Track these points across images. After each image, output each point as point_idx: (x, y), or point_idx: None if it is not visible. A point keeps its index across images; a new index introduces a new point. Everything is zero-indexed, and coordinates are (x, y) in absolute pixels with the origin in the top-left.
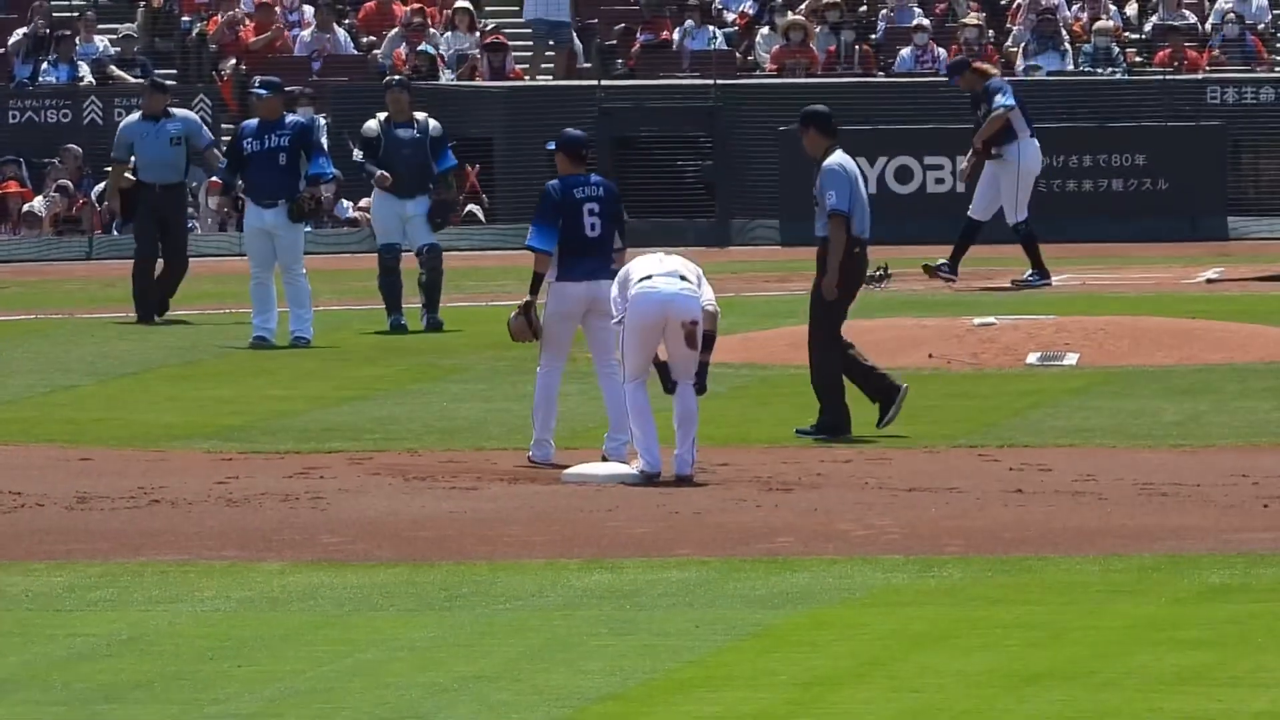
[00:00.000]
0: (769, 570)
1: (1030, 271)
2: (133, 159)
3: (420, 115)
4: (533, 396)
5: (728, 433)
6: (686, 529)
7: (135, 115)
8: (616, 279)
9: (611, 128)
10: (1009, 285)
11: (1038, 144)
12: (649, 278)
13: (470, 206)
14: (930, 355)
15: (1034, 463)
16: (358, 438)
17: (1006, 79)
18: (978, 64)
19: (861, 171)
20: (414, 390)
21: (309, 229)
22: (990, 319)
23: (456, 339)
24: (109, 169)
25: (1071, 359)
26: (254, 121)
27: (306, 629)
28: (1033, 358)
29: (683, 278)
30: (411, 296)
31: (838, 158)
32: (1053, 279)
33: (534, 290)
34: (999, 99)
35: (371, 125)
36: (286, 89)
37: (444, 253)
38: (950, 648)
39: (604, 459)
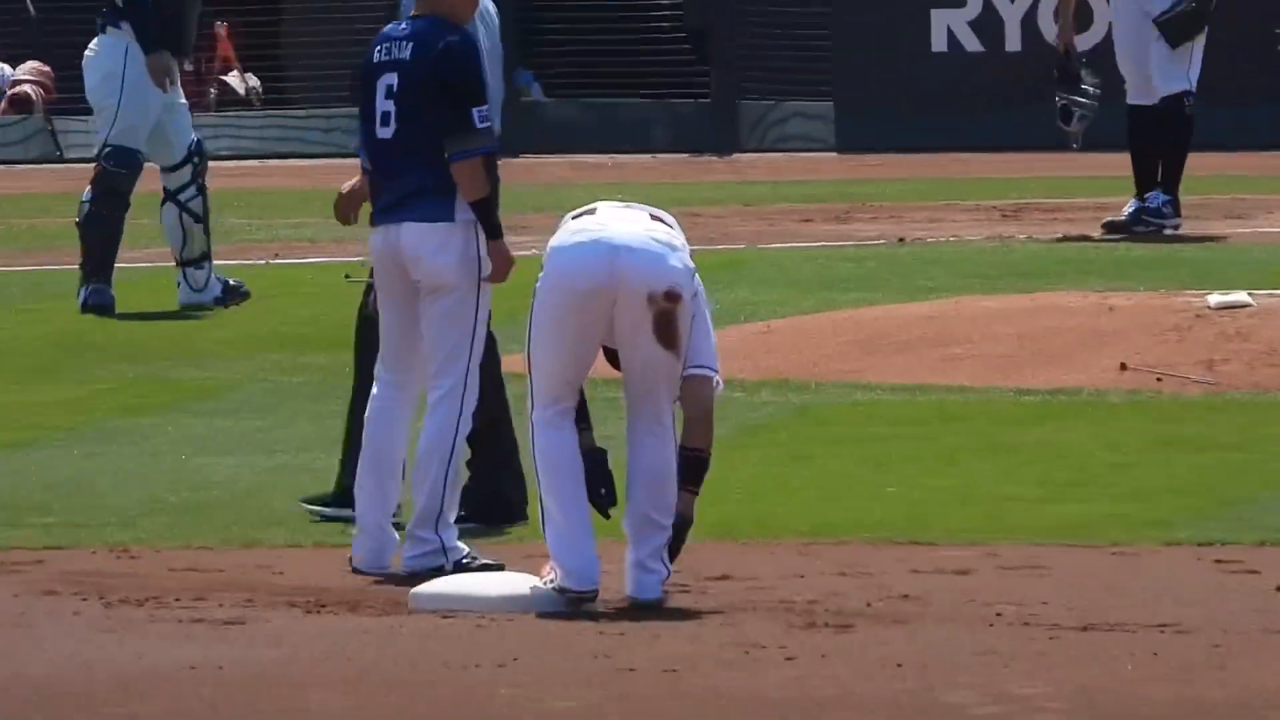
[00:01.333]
0: None
1: None
2: None
3: None
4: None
5: (734, 515)
6: (649, 702)
7: None
8: None
9: None
10: None
11: None
12: (592, 212)
13: (232, 75)
14: (1124, 366)
15: None
16: (14, 522)
17: None
18: None
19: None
20: (125, 429)
21: None
22: (1242, 295)
23: (207, 328)
24: None
25: None
26: None
27: None
28: None
29: (655, 218)
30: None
31: None
32: None
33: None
34: None
35: None
36: None
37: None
38: None
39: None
